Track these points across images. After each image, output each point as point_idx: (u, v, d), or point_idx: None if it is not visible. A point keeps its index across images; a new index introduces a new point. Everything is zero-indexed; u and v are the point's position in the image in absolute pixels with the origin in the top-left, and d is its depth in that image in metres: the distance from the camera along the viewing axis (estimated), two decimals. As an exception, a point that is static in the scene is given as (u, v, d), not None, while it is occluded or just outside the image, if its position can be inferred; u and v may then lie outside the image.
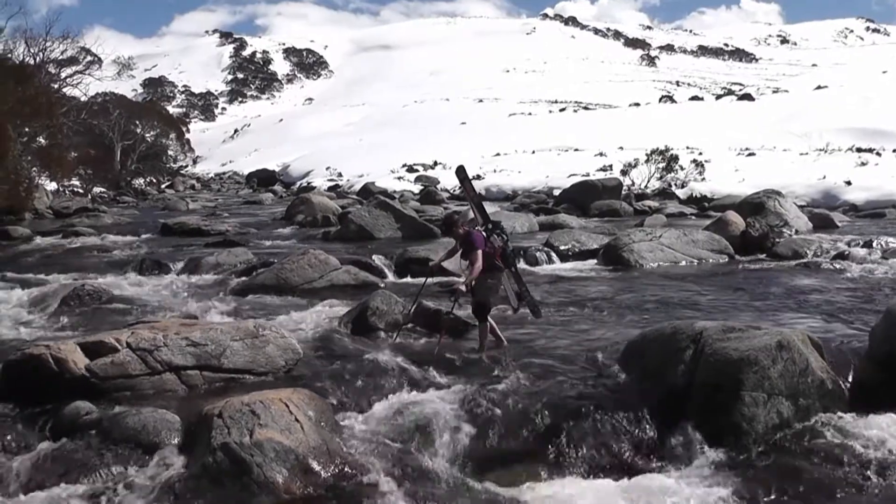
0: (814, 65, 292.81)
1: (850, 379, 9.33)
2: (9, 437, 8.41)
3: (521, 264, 20.35)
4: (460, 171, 12.80)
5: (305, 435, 7.85)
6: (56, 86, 50.15)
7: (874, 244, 21.71)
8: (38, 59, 47.31)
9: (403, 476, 7.75)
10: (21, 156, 37.09)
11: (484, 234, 11.23)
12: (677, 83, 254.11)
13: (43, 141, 43.23)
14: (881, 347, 9.45)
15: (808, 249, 21.41)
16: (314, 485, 7.45)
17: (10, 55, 45.07)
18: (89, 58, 59.39)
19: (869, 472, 7.52)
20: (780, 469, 7.66)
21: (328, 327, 13.33)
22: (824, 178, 42.57)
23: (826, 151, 56.95)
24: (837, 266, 19.36)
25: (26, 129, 39.22)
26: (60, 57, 50.91)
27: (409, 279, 18.62)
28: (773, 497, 7.29)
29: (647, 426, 8.56)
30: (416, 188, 56.15)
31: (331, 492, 7.43)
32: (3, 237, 29.54)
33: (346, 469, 7.71)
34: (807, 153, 56.65)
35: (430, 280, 13.22)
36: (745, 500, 7.24)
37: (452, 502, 7.38)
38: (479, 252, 10.85)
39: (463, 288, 10.86)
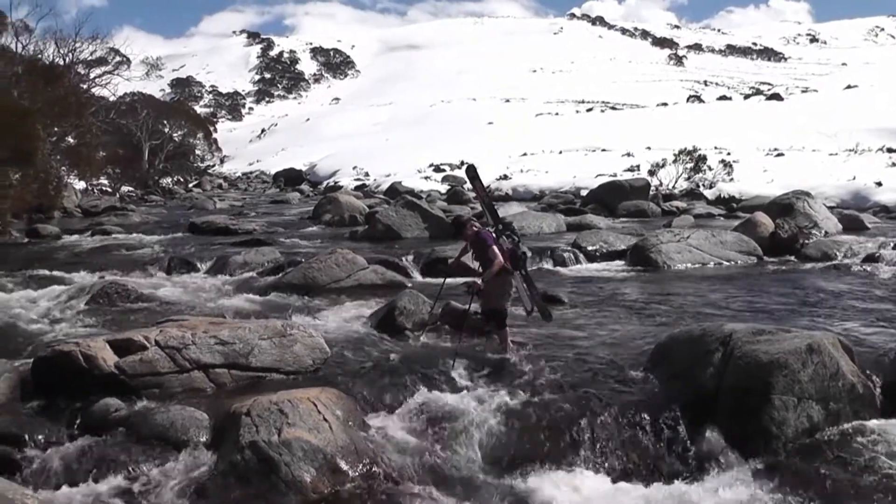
0: (844, 64, 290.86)
1: (881, 383, 9.24)
2: (39, 433, 8.46)
3: (549, 265, 20.40)
4: (470, 170, 12.70)
5: (333, 434, 7.88)
6: (85, 86, 50.35)
7: (905, 246, 21.50)
8: (67, 59, 47.51)
9: (430, 475, 7.77)
10: (50, 155, 37.24)
11: (494, 235, 11.19)
12: (705, 83, 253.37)
13: (72, 140, 43.37)
14: (913, 351, 9.36)
15: (838, 251, 21.19)
16: (342, 484, 7.48)
17: (40, 56, 45.26)
18: (118, 58, 59.64)
19: (901, 480, 7.45)
20: (809, 475, 7.61)
21: (356, 327, 13.37)
22: (854, 178, 42.16)
23: (856, 152, 56.49)
24: (868, 268, 19.21)
25: (56, 129, 39.32)
26: (90, 57, 51.14)
27: (436, 279, 18.57)
28: (800, 503, 7.24)
29: (675, 429, 8.53)
30: (443, 188, 55.98)
31: (358, 491, 7.45)
32: (32, 235, 29.74)
33: (373, 468, 7.73)
34: (836, 154, 56.16)
35: (451, 280, 13.14)
36: (773, 505, 7.22)
37: (477, 500, 7.39)
38: (495, 248, 10.82)
39: (479, 282, 10.82)
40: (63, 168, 42.25)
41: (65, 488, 7.45)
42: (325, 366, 10.66)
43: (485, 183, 47.77)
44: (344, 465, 7.63)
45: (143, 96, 76.93)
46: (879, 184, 40.13)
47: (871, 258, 20.25)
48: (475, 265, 11.43)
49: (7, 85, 35.76)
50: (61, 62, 46.50)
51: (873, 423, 8.42)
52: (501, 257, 10.78)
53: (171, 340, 9.90)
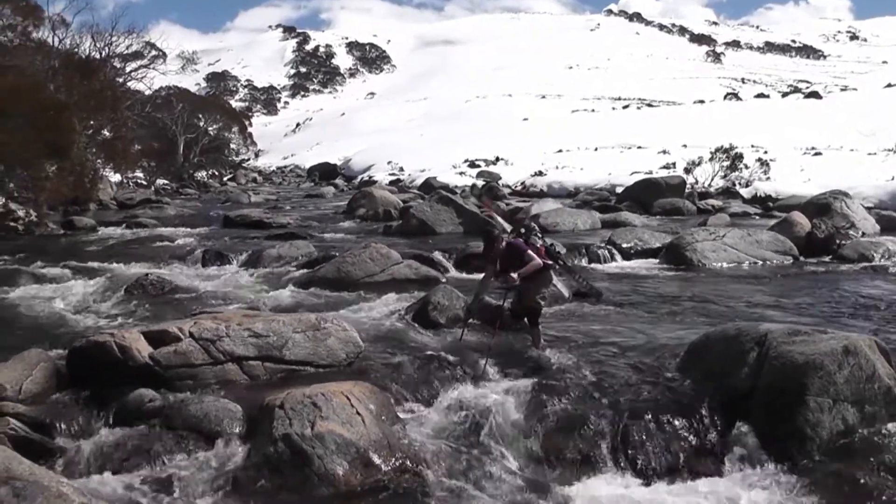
0: (884, 62, 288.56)
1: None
2: (74, 422, 8.56)
3: (584, 261, 20.36)
4: (486, 190, 12.74)
5: (366, 428, 7.89)
6: (121, 80, 50.66)
7: (944, 248, 21.25)
8: (103, 53, 47.74)
9: (462, 470, 7.76)
10: (86, 148, 37.44)
11: (522, 240, 11.17)
12: (743, 80, 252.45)
13: (108, 133, 43.64)
14: (951, 354, 9.24)
15: (875, 252, 20.96)
16: (374, 478, 7.49)
17: (76, 50, 45.56)
18: (154, 52, 59.71)
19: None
20: (843, 477, 7.51)
21: (389, 321, 13.37)
22: (893, 179, 41.63)
23: (895, 152, 55.99)
24: (905, 270, 19.05)
25: (92, 122, 39.58)
26: (126, 51, 51.32)
27: (470, 274, 18.54)
28: (836, 506, 7.18)
29: (708, 428, 8.48)
30: (478, 183, 55.93)
31: (390, 485, 7.45)
32: (68, 227, 30.02)
33: (406, 463, 7.73)
34: (875, 153, 55.66)
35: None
36: (807, 507, 7.16)
37: (510, 498, 7.39)
38: (531, 252, 10.80)
39: (515, 276, 10.80)
40: (99, 161, 42.54)
41: (99, 477, 7.51)
42: (358, 360, 10.68)
43: (520, 179, 47.60)
44: (376, 459, 7.65)
45: (179, 90, 77.12)
46: (919, 185, 39.64)
47: (908, 260, 20.06)
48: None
49: (44, 79, 36.01)
50: (97, 56, 46.78)
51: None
52: (538, 258, 10.79)
53: (206, 332, 9.96)
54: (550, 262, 11.21)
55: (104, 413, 8.79)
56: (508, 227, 11.81)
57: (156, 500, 7.15)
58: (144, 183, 60.85)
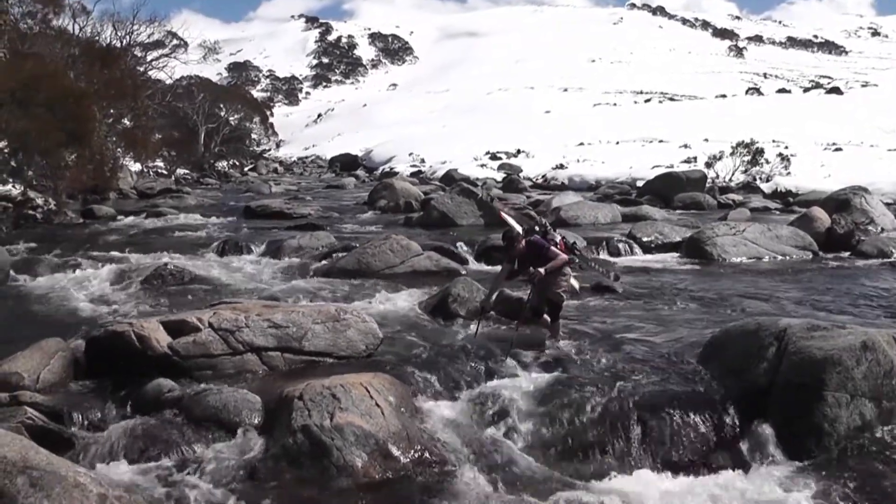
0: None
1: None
2: (92, 412, 8.58)
3: (604, 254, 20.38)
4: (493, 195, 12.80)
5: (385, 420, 7.90)
6: (142, 69, 50.79)
7: (964, 245, 21.15)
8: (124, 42, 47.86)
9: (481, 463, 7.77)
10: (106, 137, 37.56)
11: (538, 236, 11.20)
12: (765, 75, 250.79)
13: (128, 122, 43.77)
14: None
15: (895, 249, 20.93)
16: (393, 470, 7.50)
17: (97, 38, 45.69)
18: (175, 41, 59.83)
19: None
20: (860, 473, 7.50)
21: (409, 313, 13.40)
22: (913, 175, 41.50)
23: (915, 148, 55.70)
24: (925, 266, 18.96)
25: (112, 111, 39.72)
26: (147, 40, 51.48)
27: (490, 267, 18.53)
28: (852, 502, 7.14)
29: (727, 423, 8.45)
30: (499, 176, 55.80)
31: (409, 477, 7.46)
32: (88, 216, 30.12)
33: (425, 455, 7.74)
34: (895, 149, 55.42)
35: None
36: (824, 502, 7.12)
37: (529, 490, 7.37)
38: (553, 248, 10.85)
39: (542, 271, 10.77)
40: (119, 150, 42.69)
41: (117, 467, 7.51)
42: (378, 351, 10.69)
43: (541, 172, 47.65)
44: (395, 451, 7.65)
45: (200, 80, 77.22)
46: (939, 180, 39.39)
47: (928, 256, 19.97)
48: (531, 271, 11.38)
49: (64, 66, 36.08)
50: (118, 45, 46.90)
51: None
52: (562, 253, 10.82)
53: (225, 323, 9.98)
54: (570, 256, 11.23)
55: (122, 403, 8.82)
56: (520, 228, 11.67)
57: (173, 490, 7.16)
58: (165, 172, 60.98)
